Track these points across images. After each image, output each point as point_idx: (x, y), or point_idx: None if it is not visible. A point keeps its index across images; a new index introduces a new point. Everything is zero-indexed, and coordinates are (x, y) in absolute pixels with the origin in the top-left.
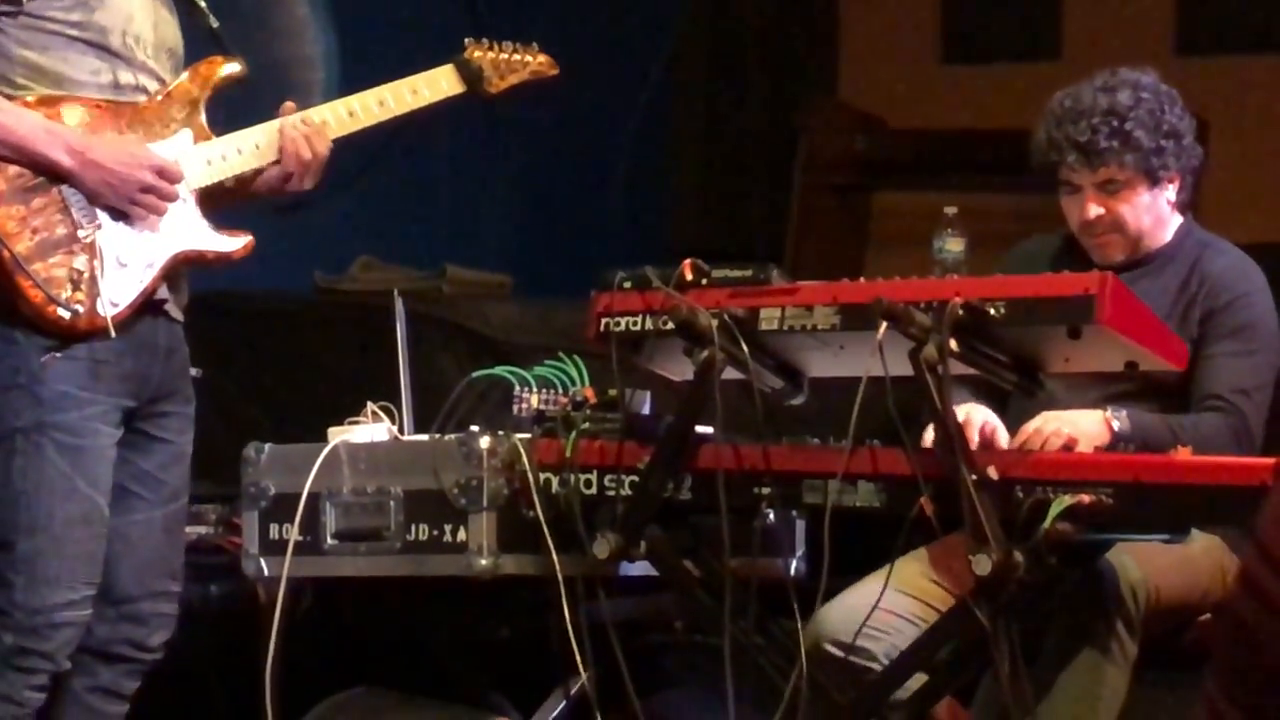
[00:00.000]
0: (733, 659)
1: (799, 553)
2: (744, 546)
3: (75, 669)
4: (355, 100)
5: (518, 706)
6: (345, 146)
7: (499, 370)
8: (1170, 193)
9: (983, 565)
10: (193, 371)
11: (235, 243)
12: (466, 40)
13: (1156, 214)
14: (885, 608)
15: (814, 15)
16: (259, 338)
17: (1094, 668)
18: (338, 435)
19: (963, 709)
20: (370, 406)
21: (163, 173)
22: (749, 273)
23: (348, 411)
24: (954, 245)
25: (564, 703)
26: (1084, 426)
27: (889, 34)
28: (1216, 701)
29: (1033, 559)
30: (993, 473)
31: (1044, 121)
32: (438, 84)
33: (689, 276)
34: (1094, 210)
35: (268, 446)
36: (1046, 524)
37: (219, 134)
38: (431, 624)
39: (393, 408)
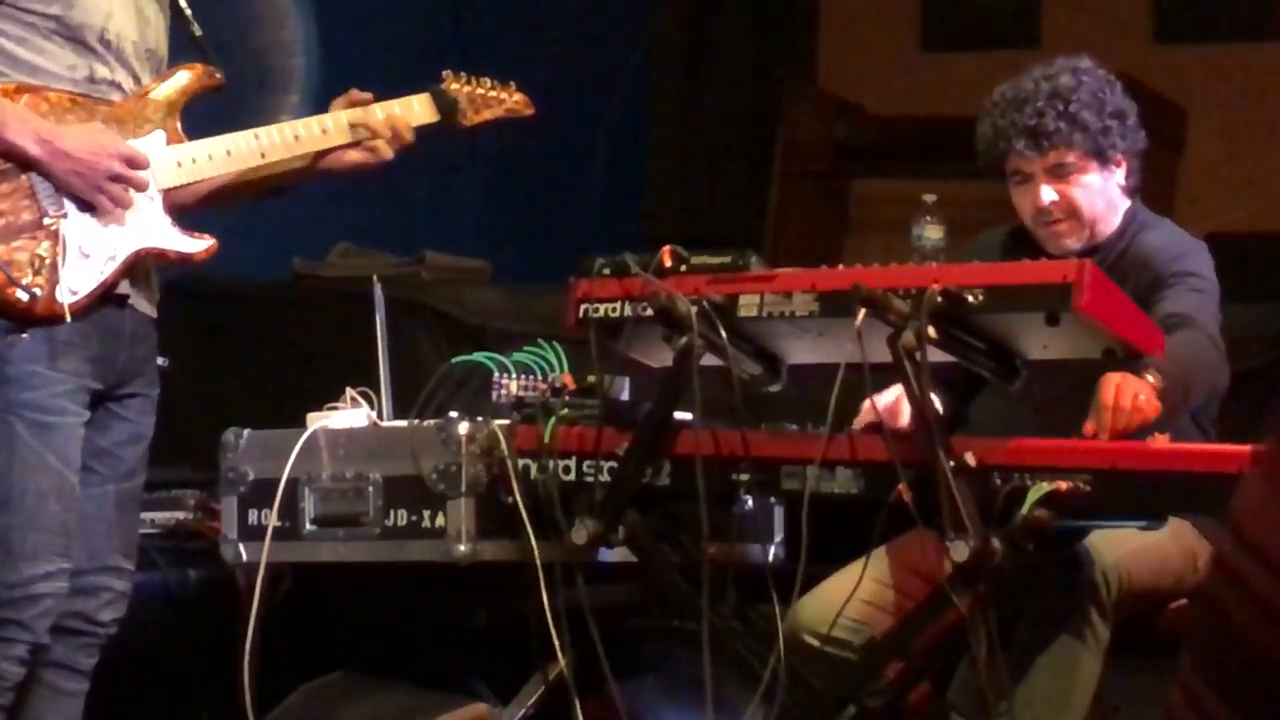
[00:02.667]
0: (711, 645)
1: (777, 539)
2: (722, 532)
3: None
4: (329, 118)
5: (496, 692)
6: None
7: (478, 356)
8: (1119, 176)
9: (960, 552)
10: (160, 361)
11: (198, 245)
12: (445, 72)
13: (1108, 198)
14: (864, 599)
15: (794, 2)
16: (238, 324)
17: (1067, 653)
18: (316, 421)
19: (936, 695)
20: (349, 392)
21: (131, 162)
22: (728, 259)
23: (327, 397)
24: (933, 232)
25: (542, 688)
26: (1144, 386)
27: (869, 21)
28: (1192, 686)
29: (1010, 546)
30: (970, 459)
31: (987, 114)
32: (412, 110)
33: (668, 263)
34: (1047, 195)
35: (246, 432)
36: (1024, 511)
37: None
38: (410, 609)
39: (371, 393)
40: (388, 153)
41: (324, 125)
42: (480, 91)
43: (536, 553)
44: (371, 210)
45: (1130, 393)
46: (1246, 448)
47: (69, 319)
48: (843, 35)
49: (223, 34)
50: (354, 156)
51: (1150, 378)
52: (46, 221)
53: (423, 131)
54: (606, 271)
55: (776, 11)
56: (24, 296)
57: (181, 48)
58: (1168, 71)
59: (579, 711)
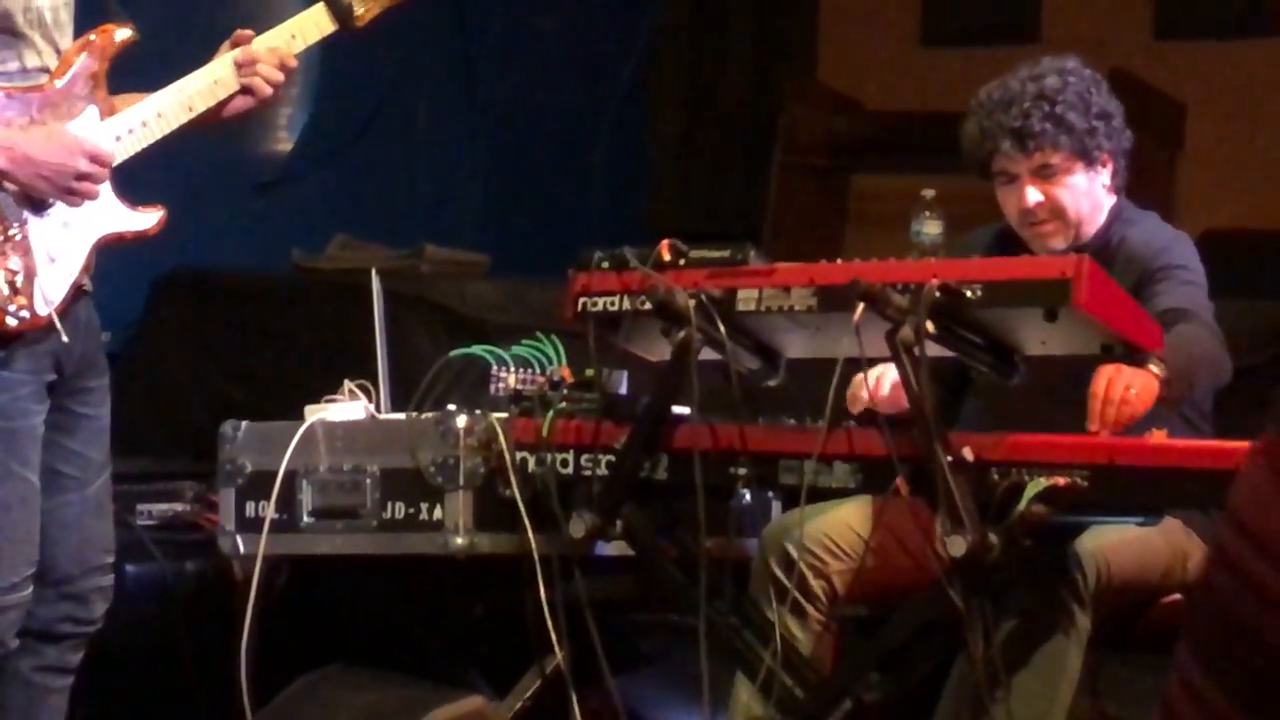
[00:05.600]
0: (708, 639)
1: None
2: (720, 526)
3: (21, 651)
4: (239, 51)
5: (493, 685)
6: (317, 127)
7: (476, 349)
8: (1105, 176)
9: (958, 547)
10: (103, 336)
11: (149, 219)
12: None
13: (1094, 199)
14: (856, 529)
15: None
16: (237, 316)
17: (1049, 645)
18: (315, 413)
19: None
20: (347, 385)
21: (95, 158)
22: (727, 253)
23: (325, 390)
24: (932, 228)
25: (539, 681)
26: (1141, 377)
27: (868, 16)
28: (1190, 674)
29: (1007, 541)
30: (968, 454)
31: (973, 114)
32: (312, 27)
33: (666, 257)
34: (1032, 196)
35: (245, 424)
36: (1022, 506)
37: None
38: (407, 602)
39: (370, 386)
40: (265, 89)
41: (220, 69)
42: None
43: (534, 546)
44: (371, 202)
45: (1121, 384)
46: (1244, 444)
47: (59, 325)
48: (842, 30)
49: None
50: (237, 102)
51: (1154, 368)
52: (12, 233)
53: (424, 125)
54: (605, 265)
55: (777, 6)
56: (13, 322)
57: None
58: (1167, 68)
59: (576, 705)
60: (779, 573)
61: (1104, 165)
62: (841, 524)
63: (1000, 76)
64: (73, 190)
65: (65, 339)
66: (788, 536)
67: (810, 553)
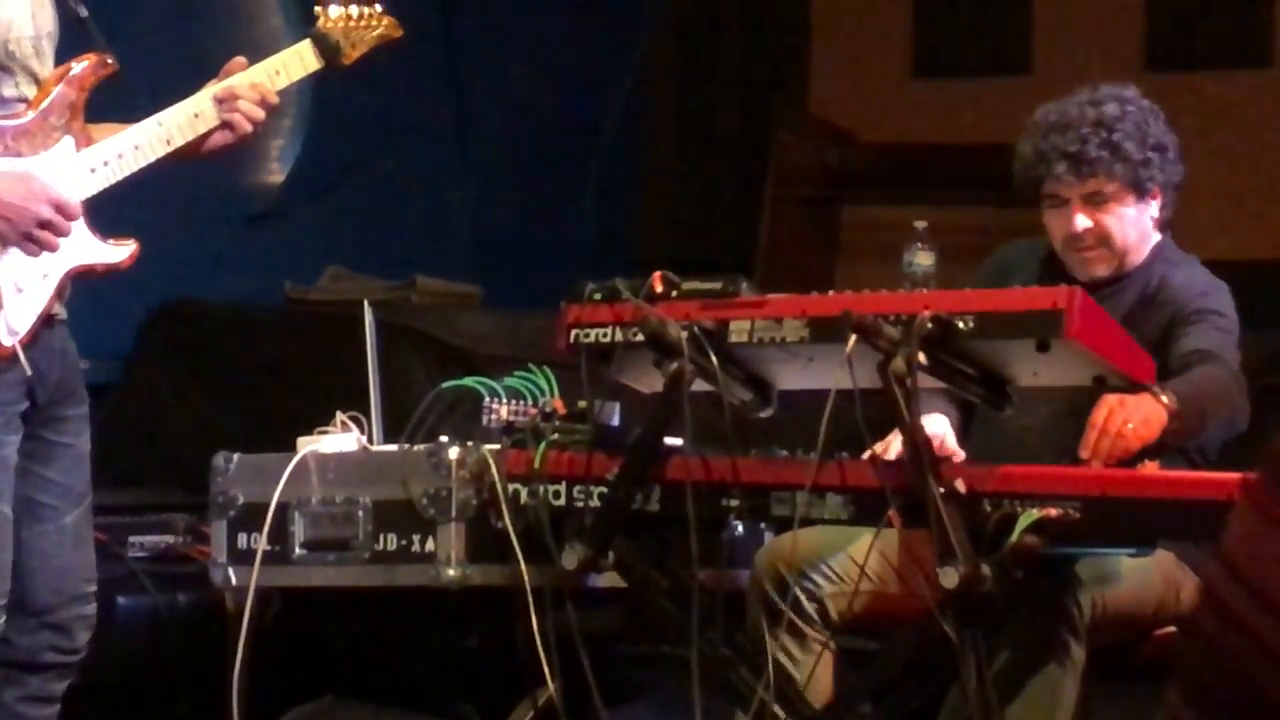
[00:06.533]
0: (700, 670)
1: None
2: (712, 558)
3: (4, 682)
4: (220, 86)
5: (485, 717)
6: (311, 159)
7: (468, 381)
8: (1154, 209)
9: (950, 578)
10: (83, 364)
11: (121, 252)
12: (317, 8)
13: (1141, 229)
14: (849, 553)
15: (785, 28)
16: (229, 347)
17: (1045, 676)
18: (307, 445)
19: None
20: (339, 416)
21: (60, 208)
22: (719, 285)
23: (317, 421)
24: (923, 259)
25: (531, 713)
26: (1145, 410)
27: (860, 48)
28: (1181, 714)
29: (1000, 572)
30: (960, 486)
31: (1029, 135)
32: (297, 63)
33: (659, 288)
34: (1081, 223)
35: (237, 456)
36: (1014, 537)
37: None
38: (399, 634)
39: (362, 418)
40: (244, 126)
41: (201, 102)
42: (352, 24)
43: (526, 578)
44: (363, 234)
45: (1120, 418)
46: (1235, 475)
47: (21, 357)
48: (834, 61)
49: (208, 32)
50: (217, 138)
51: (1164, 399)
52: None
53: (416, 157)
54: (597, 297)
55: (768, 37)
56: None
57: (70, 33)
58: (1157, 99)
59: None
60: (773, 594)
61: (1154, 197)
62: (835, 548)
63: (1058, 100)
64: (32, 237)
65: (28, 372)
66: (780, 558)
67: (804, 575)
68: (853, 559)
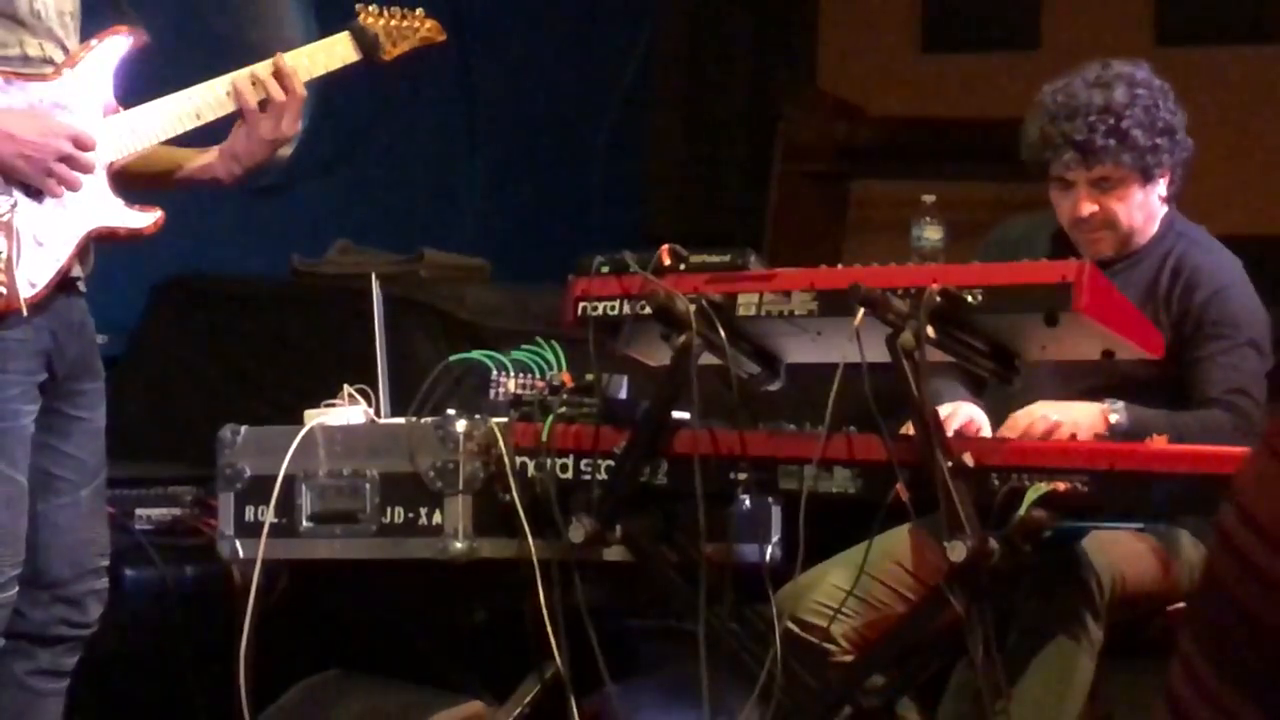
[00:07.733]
0: (707, 645)
1: (775, 539)
2: (720, 532)
3: (14, 654)
4: (255, 69)
5: (492, 690)
6: (318, 133)
7: (476, 354)
8: (1161, 188)
9: (958, 552)
10: (100, 339)
11: (146, 218)
12: (358, 5)
13: (1148, 210)
14: (843, 586)
15: (794, 3)
16: (236, 320)
17: (1062, 654)
18: (314, 418)
19: (931, 697)
20: (347, 389)
21: (78, 141)
22: (727, 258)
23: (324, 394)
24: (932, 233)
25: (538, 687)
26: (1079, 417)
27: (869, 22)
28: (1191, 658)
29: (1008, 546)
30: (968, 459)
31: (1036, 116)
32: (334, 52)
33: (667, 261)
34: (1087, 208)
35: (244, 428)
36: (1022, 511)
37: (127, 106)
38: (406, 607)
39: (369, 390)
40: (275, 99)
41: (255, 76)
42: (395, 23)
43: (533, 551)
44: (371, 207)
45: (1043, 428)
46: (1243, 450)
47: (24, 313)
48: (843, 36)
49: (221, 33)
50: (240, 142)
51: (1113, 417)
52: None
53: (424, 130)
54: (605, 270)
55: (777, 12)
56: None
57: (101, 6)
58: (1168, 74)
59: (575, 710)
60: (795, 629)
61: (1161, 178)
62: (846, 585)
63: (1066, 75)
64: (53, 172)
65: (25, 313)
66: (798, 600)
67: (810, 625)
68: (840, 589)
